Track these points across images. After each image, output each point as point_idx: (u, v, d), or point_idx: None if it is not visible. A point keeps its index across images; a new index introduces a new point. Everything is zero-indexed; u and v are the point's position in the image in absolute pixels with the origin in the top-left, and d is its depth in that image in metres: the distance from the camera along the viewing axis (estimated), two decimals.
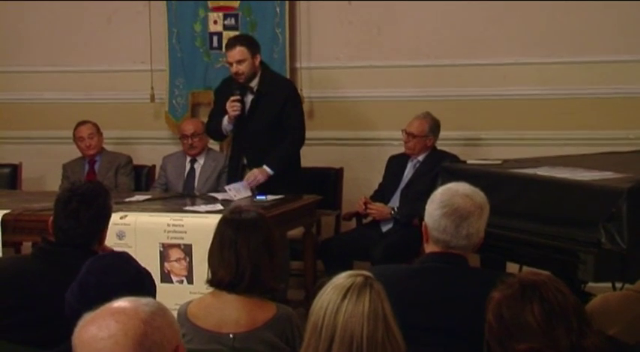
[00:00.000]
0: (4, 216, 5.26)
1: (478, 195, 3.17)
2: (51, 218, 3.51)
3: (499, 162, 5.24)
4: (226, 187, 5.90)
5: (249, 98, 6.01)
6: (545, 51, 6.57)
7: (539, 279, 2.38)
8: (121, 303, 1.89)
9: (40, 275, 3.37)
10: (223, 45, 6.96)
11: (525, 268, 4.67)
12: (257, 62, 5.99)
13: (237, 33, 6.97)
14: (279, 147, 5.99)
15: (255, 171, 5.92)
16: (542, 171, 4.65)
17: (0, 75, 7.65)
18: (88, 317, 1.87)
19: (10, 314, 3.38)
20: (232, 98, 5.96)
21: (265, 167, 5.92)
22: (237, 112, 5.95)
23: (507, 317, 2.32)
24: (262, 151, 5.98)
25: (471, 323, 2.79)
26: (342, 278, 2.43)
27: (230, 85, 6.06)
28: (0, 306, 3.43)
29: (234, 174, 6.17)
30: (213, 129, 6.31)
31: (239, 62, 5.91)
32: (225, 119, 6.04)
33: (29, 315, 3.32)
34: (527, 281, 2.36)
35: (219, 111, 6.16)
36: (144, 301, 1.91)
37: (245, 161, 6.13)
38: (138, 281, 2.73)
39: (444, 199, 3.14)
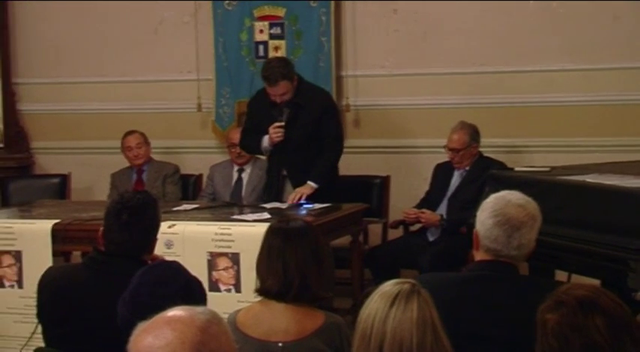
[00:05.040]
0: (54, 225, 5.30)
1: (531, 204, 3.14)
2: (101, 229, 3.52)
3: (547, 169, 5.20)
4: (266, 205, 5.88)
5: (287, 112, 5.97)
6: (593, 57, 6.52)
7: (593, 293, 2.30)
8: (177, 312, 1.88)
9: (91, 285, 3.39)
10: (269, 54, 7.00)
11: (574, 276, 4.63)
12: (295, 82, 5.95)
13: (282, 42, 7.01)
14: (321, 160, 5.96)
15: (298, 189, 5.88)
16: (591, 178, 4.60)
17: (49, 86, 7.74)
18: (143, 326, 1.86)
19: (61, 324, 3.41)
20: (277, 125, 5.91)
21: (310, 182, 5.89)
22: (280, 139, 5.93)
23: (572, 338, 2.23)
24: (302, 162, 5.96)
25: (519, 333, 2.77)
26: (389, 286, 2.43)
27: (265, 99, 5.99)
28: (51, 316, 3.47)
29: (274, 185, 6.14)
30: (249, 146, 6.28)
31: (283, 94, 5.87)
32: (266, 140, 5.99)
33: (80, 325, 3.34)
34: (583, 297, 2.28)
35: (254, 125, 6.15)
36: (199, 309, 1.90)
37: (285, 173, 6.11)
38: (189, 290, 2.74)
39: (496, 208, 3.11)
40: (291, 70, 5.92)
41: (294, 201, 5.82)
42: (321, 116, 5.98)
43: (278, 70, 5.86)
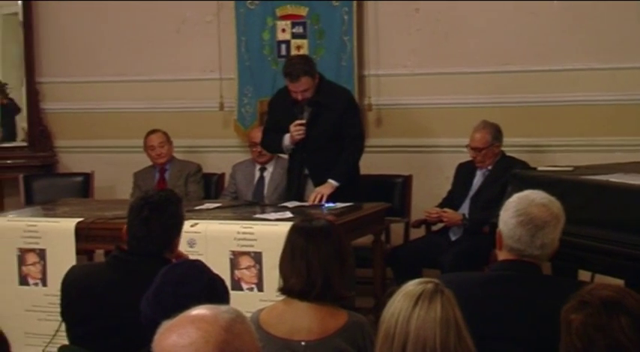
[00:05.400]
0: (78, 224, 5.33)
1: (554, 204, 3.13)
2: (125, 226, 3.55)
3: (570, 168, 5.18)
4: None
5: (308, 110, 5.99)
6: (617, 56, 6.48)
7: (618, 293, 2.29)
8: (201, 311, 1.89)
9: (114, 284, 3.41)
10: (291, 53, 7.00)
11: (598, 276, 4.61)
12: (317, 80, 5.96)
13: (305, 41, 7.01)
14: (342, 158, 5.97)
15: (318, 189, 5.88)
16: (615, 178, 4.58)
17: (73, 85, 7.78)
18: (167, 324, 1.87)
19: (85, 322, 3.43)
20: (298, 122, 5.93)
21: (331, 180, 5.89)
22: (302, 136, 5.94)
23: (597, 338, 2.23)
24: (323, 161, 5.96)
25: (542, 333, 2.77)
26: (412, 286, 2.43)
27: (286, 98, 6.00)
28: (75, 314, 3.49)
29: (295, 184, 6.14)
30: (270, 145, 6.29)
31: (304, 91, 5.89)
32: (287, 138, 5.99)
33: (103, 323, 3.36)
34: (608, 298, 2.27)
35: (274, 123, 6.16)
36: (223, 308, 1.90)
37: (306, 171, 6.11)
38: (212, 289, 2.74)
39: (519, 207, 3.10)
40: (312, 66, 5.94)
41: (315, 202, 5.82)
42: (342, 115, 5.98)
43: (300, 66, 5.88)
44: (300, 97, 5.90)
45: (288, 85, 5.92)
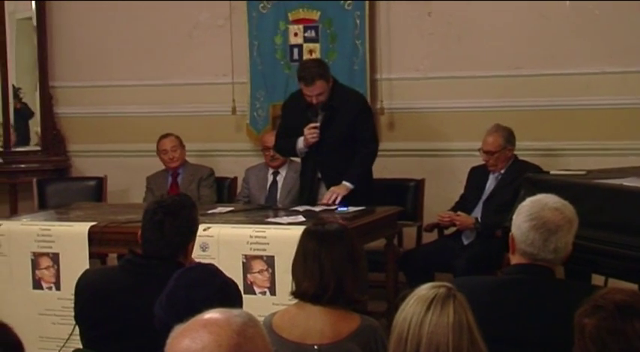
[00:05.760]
0: (91, 228, 5.34)
1: (567, 208, 3.13)
2: (139, 230, 3.56)
3: (583, 172, 5.17)
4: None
5: (322, 113, 5.99)
6: (630, 60, 6.46)
7: (632, 297, 2.28)
8: (213, 315, 1.89)
9: (128, 288, 3.42)
10: (304, 57, 7.01)
11: (611, 280, 4.60)
12: (331, 84, 5.97)
13: (317, 45, 7.02)
14: (356, 161, 5.97)
15: (333, 188, 5.89)
16: (629, 182, 4.57)
17: (86, 89, 7.80)
18: (180, 328, 1.87)
19: (98, 326, 3.44)
20: (312, 125, 5.94)
21: (345, 182, 5.89)
22: (316, 140, 5.95)
23: (611, 343, 2.22)
24: (336, 165, 5.97)
25: (556, 337, 2.76)
26: (424, 290, 2.43)
27: (300, 101, 6.02)
28: (89, 318, 3.50)
29: (307, 188, 6.15)
30: (284, 149, 6.31)
31: (319, 94, 5.90)
32: (301, 142, 6.01)
33: (117, 327, 3.37)
34: (622, 302, 2.26)
35: (288, 127, 6.17)
36: (235, 312, 1.90)
37: (319, 175, 6.12)
38: (225, 293, 2.74)
39: (532, 211, 3.10)
40: (326, 70, 5.95)
41: (330, 201, 5.82)
42: (355, 118, 5.98)
43: (314, 69, 5.90)
44: (314, 101, 5.91)
45: (303, 89, 5.93)
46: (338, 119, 5.97)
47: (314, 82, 5.85)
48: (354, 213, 5.59)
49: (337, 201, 5.81)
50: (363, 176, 6.01)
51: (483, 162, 6.22)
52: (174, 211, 3.51)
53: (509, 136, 6.15)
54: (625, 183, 4.55)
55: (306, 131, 5.95)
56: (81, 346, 3.53)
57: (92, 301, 3.49)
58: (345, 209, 5.69)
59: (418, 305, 2.39)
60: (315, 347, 3.23)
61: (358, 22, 6.98)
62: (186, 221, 3.55)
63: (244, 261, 5.00)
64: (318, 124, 5.94)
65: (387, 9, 7.00)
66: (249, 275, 4.99)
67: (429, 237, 6.52)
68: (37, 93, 7.85)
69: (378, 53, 7.02)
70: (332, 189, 5.89)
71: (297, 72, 6.06)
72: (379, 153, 6.18)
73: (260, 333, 1.90)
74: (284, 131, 6.24)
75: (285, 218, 5.44)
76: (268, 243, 4.97)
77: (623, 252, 4.20)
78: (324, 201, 5.86)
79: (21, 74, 7.93)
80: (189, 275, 2.83)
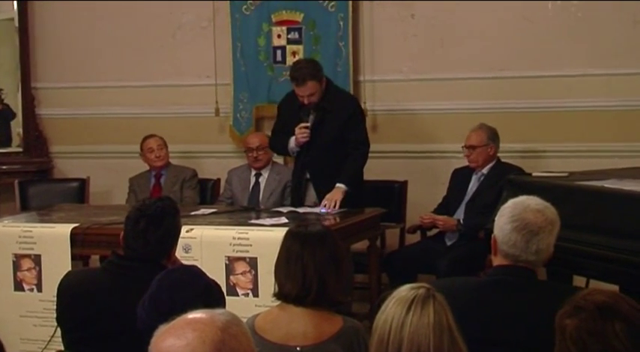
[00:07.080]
0: (73, 229, 5.32)
1: (549, 210, 3.14)
2: (122, 233, 3.54)
3: (565, 174, 5.19)
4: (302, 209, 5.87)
5: (314, 114, 6.00)
6: (612, 62, 6.49)
7: (613, 299, 2.28)
8: (197, 314, 1.90)
9: (110, 289, 3.40)
10: (287, 59, 7.01)
11: (592, 282, 4.61)
12: (324, 84, 5.98)
13: (300, 47, 7.02)
14: (348, 163, 5.96)
15: (329, 196, 5.82)
16: (610, 184, 4.58)
17: (68, 90, 7.78)
18: (164, 328, 1.88)
19: (80, 327, 3.43)
20: (302, 125, 5.95)
21: (339, 185, 5.87)
22: (306, 139, 5.95)
23: (591, 344, 2.22)
24: (325, 166, 5.97)
25: (537, 338, 2.77)
26: (404, 291, 2.44)
27: (295, 101, 6.03)
28: (71, 320, 3.49)
29: (296, 188, 6.18)
30: (278, 146, 6.32)
31: (310, 95, 5.90)
32: (292, 141, 6.02)
33: (99, 329, 3.36)
34: (602, 303, 2.26)
35: (283, 126, 6.17)
36: (219, 311, 1.92)
37: (308, 176, 6.12)
38: (208, 294, 2.75)
39: (514, 213, 3.11)
40: (319, 71, 5.96)
41: (330, 209, 5.77)
42: (347, 121, 5.98)
43: (307, 70, 5.91)
44: (306, 101, 5.91)
45: (295, 89, 5.94)
46: (329, 121, 5.98)
47: (305, 82, 5.85)
48: (337, 215, 5.60)
49: (337, 208, 5.77)
50: (355, 178, 6.00)
51: (466, 164, 6.24)
52: (157, 220, 3.47)
53: (492, 135, 6.17)
54: (606, 185, 4.56)
55: (296, 130, 5.96)
56: (62, 348, 3.52)
57: (74, 303, 3.48)
58: (326, 211, 5.69)
59: (398, 306, 2.40)
60: (298, 348, 3.23)
61: (341, 23, 6.99)
62: (170, 228, 3.52)
63: (227, 262, 4.99)
64: (308, 124, 5.95)
65: (370, 11, 7.01)
66: (232, 277, 4.99)
67: (412, 239, 6.53)
68: (19, 95, 7.82)
69: (362, 55, 7.03)
70: (328, 196, 5.83)
71: (289, 71, 6.08)
72: None
73: (243, 332, 1.91)
74: (279, 129, 6.25)
75: (268, 220, 5.44)
76: (251, 245, 4.97)
77: (604, 254, 4.21)
78: (325, 210, 5.77)
79: (3, 75, 7.91)
80: (172, 277, 2.83)
